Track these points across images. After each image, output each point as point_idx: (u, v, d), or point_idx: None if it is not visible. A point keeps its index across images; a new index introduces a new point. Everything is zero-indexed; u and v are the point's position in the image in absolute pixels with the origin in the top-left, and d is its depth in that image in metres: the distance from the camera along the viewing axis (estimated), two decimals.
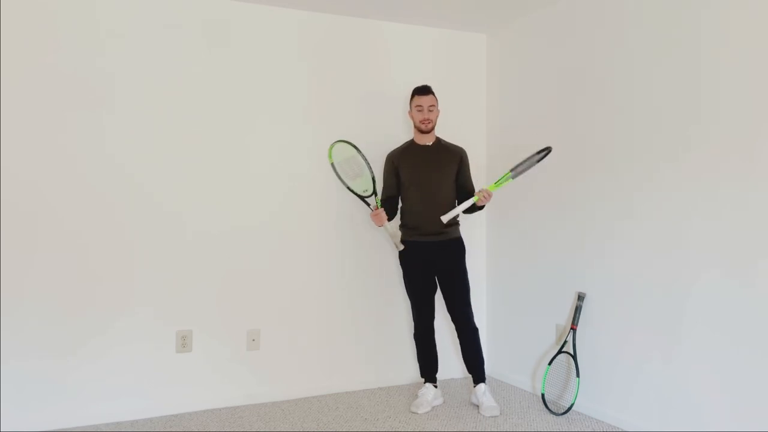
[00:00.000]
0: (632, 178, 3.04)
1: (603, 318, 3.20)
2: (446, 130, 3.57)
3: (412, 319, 3.53)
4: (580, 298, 3.31)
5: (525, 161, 3.23)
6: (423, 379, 3.50)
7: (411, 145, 3.46)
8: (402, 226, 3.44)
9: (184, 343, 3.32)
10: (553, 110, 3.57)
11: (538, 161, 3.22)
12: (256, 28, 3.50)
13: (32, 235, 3.03)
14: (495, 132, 4.07)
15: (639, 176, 3.00)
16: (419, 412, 3.31)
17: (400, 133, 3.86)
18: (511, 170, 3.23)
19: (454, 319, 3.39)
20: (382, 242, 3.82)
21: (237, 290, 3.46)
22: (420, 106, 3.34)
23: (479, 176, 3.99)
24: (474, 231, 4.06)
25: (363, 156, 3.39)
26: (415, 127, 3.40)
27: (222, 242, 3.42)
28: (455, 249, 3.37)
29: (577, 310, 3.30)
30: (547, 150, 3.19)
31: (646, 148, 2.96)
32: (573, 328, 3.31)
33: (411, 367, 3.88)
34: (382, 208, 3.33)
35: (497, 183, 3.25)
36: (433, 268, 3.37)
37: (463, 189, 3.42)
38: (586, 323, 3.30)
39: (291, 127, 3.60)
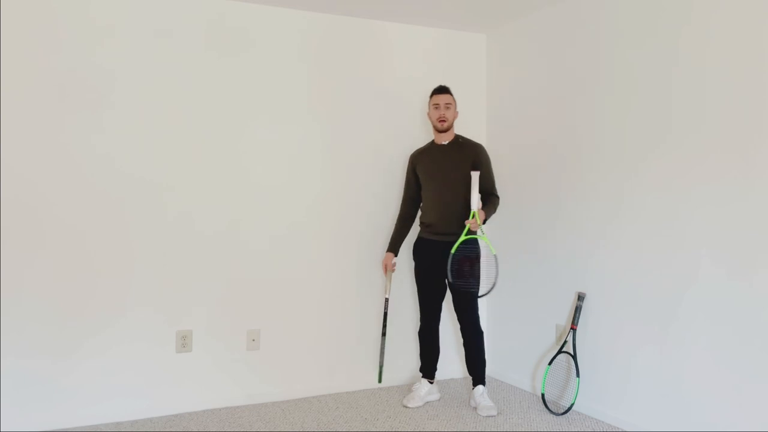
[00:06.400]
0: (632, 178, 3.04)
1: (603, 318, 3.20)
2: None
3: (413, 317, 3.53)
4: (580, 298, 3.31)
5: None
6: (421, 374, 3.53)
7: (431, 145, 3.51)
8: (420, 224, 3.50)
9: (184, 343, 3.32)
10: (554, 110, 3.57)
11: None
12: (256, 27, 3.50)
13: (31, 235, 3.03)
14: (495, 132, 4.07)
15: (639, 176, 3.00)
16: (410, 406, 3.35)
17: (400, 133, 3.86)
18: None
19: (460, 320, 3.39)
20: (382, 243, 3.81)
21: (237, 290, 3.46)
22: (437, 104, 3.39)
23: None
24: None
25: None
26: (433, 126, 3.43)
27: (222, 242, 3.42)
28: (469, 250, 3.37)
29: (577, 310, 3.30)
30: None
31: (647, 148, 2.96)
32: (573, 328, 3.31)
33: (411, 367, 3.88)
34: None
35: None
36: (445, 269, 3.34)
37: (481, 185, 3.31)
38: (586, 323, 3.30)
39: (291, 127, 3.60)
